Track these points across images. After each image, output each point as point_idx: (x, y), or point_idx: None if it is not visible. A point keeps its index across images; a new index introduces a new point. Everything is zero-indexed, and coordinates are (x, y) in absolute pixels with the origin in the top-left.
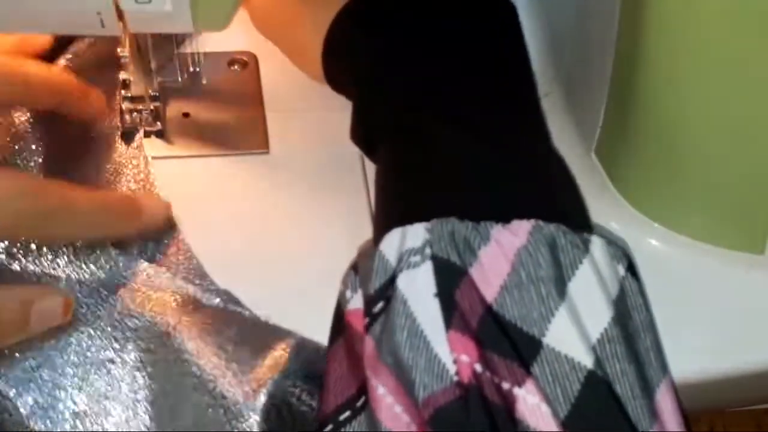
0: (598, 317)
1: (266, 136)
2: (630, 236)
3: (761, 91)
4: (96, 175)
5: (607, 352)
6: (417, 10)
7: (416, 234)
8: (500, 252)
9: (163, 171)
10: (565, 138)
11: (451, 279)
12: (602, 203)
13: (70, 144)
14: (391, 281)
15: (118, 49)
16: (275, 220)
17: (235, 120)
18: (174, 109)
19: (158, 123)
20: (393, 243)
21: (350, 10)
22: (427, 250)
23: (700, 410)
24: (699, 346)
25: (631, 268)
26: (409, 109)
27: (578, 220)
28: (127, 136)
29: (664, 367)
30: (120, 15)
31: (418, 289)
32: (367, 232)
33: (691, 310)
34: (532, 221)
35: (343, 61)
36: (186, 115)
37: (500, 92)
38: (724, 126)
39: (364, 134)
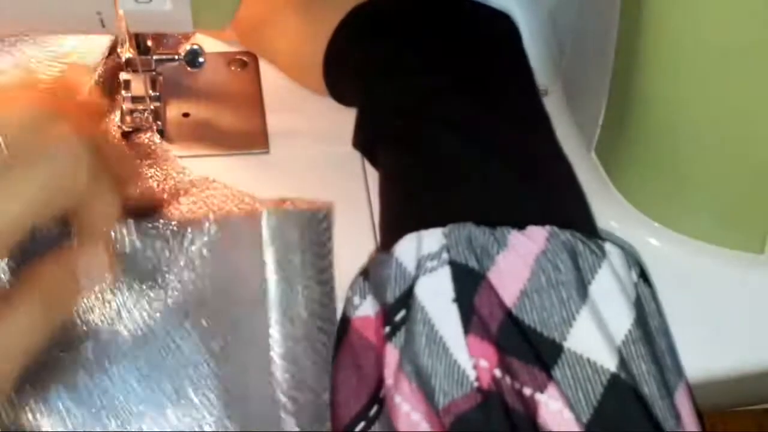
0: (622, 319)
1: (266, 135)
2: (630, 235)
3: (761, 91)
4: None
5: (632, 353)
6: (417, 19)
7: (433, 239)
8: (519, 257)
9: None
10: (565, 137)
11: (469, 284)
12: (602, 202)
13: None
14: (411, 288)
15: (119, 49)
16: None
17: (235, 120)
18: (174, 108)
19: (159, 123)
20: (409, 249)
21: (351, 21)
22: (444, 255)
23: (701, 410)
24: (699, 346)
25: (644, 275)
26: (411, 115)
27: (586, 227)
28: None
29: (680, 371)
30: (120, 15)
31: (436, 295)
32: (367, 231)
33: (691, 309)
34: (548, 227)
35: (344, 71)
36: (186, 115)
37: (502, 97)
38: (723, 126)
39: (366, 141)
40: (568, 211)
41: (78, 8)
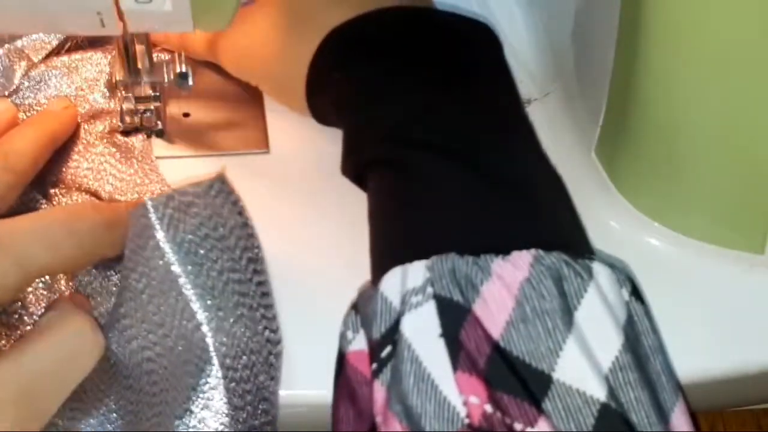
0: (609, 345)
1: (266, 135)
2: (630, 235)
3: (761, 91)
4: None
5: (620, 381)
6: (395, 38)
7: (417, 273)
8: (503, 286)
9: (163, 171)
10: (565, 137)
11: (455, 318)
12: (602, 202)
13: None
14: (396, 324)
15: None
16: (275, 219)
17: (235, 119)
18: (174, 108)
19: (159, 123)
20: (394, 283)
21: (330, 43)
22: (429, 289)
23: (700, 410)
24: (699, 346)
25: (636, 292)
26: (395, 140)
27: (578, 244)
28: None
29: (676, 390)
30: (120, 15)
31: (423, 331)
32: (367, 232)
33: (691, 309)
34: (533, 251)
35: (326, 94)
36: (186, 115)
37: (486, 117)
38: (723, 125)
39: (355, 167)
40: (555, 228)
41: (78, 8)
